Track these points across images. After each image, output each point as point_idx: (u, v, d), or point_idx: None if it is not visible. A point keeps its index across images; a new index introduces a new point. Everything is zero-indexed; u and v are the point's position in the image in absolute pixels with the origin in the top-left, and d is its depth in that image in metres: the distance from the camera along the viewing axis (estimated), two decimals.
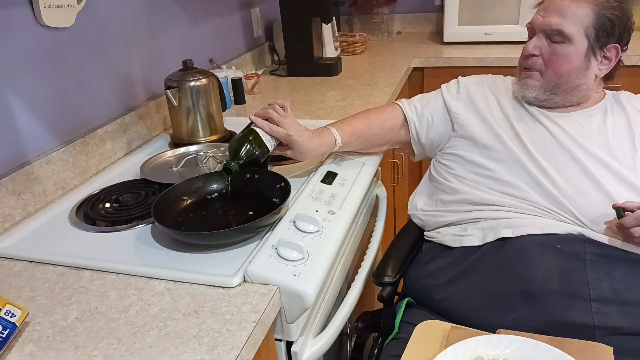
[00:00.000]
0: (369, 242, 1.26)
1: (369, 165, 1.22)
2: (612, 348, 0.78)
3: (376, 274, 1.08)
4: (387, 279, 1.06)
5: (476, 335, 0.83)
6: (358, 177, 1.16)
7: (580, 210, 0.92)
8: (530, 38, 1.07)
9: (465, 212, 1.03)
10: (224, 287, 0.80)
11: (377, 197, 1.42)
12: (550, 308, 0.86)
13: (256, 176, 1.06)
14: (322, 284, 0.85)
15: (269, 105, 1.07)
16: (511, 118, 1.07)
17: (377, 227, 1.32)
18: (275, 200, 0.99)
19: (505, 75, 1.21)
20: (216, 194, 1.04)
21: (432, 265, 1.05)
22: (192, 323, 0.73)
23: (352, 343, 1.07)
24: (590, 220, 0.92)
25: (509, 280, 0.91)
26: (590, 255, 0.88)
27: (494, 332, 0.85)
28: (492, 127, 1.07)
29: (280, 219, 0.95)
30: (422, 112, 1.18)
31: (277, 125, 1.03)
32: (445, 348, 0.81)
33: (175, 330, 0.71)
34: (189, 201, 1.01)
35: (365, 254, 1.20)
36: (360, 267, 1.14)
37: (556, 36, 1.01)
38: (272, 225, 0.93)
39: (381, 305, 1.08)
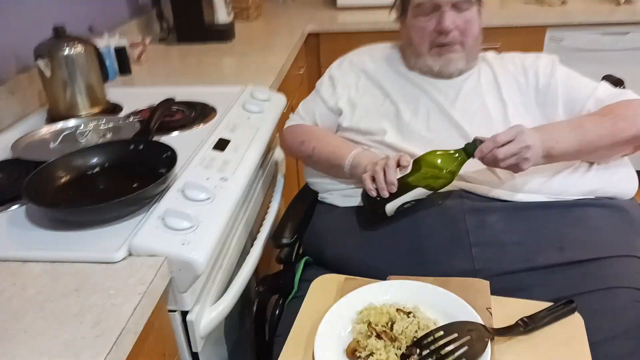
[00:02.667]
0: (269, 207, 1.26)
1: (263, 131, 1.21)
2: (488, 282, 0.84)
3: (274, 237, 1.09)
4: (284, 241, 1.07)
5: (368, 284, 0.87)
6: (252, 142, 1.14)
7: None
8: (428, 14, 1.06)
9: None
10: (107, 263, 0.76)
11: (276, 163, 1.42)
12: (436, 260, 0.91)
13: (141, 147, 1.01)
14: (214, 252, 0.84)
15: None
16: (392, 95, 1.10)
17: (276, 191, 1.33)
18: (162, 170, 0.95)
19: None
20: (97, 169, 0.98)
21: (324, 224, 1.07)
22: (73, 302, 0.69)
23: (255, 307, 1.08)
24: (469, 177, 0.97)
25: (395, 238, 0.96)
26: (469, 206, 0.94)
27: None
28: (374, 114, 1.10)
29: (168, 188, 0.92)
30: (312, 117, 1.20)
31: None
32: (340, 299, 0.84)
33: (53, 312, 0.67)
34: (67, 178, 0.95)
35: (265, 219, 1.20)
36: (260, 231, 1.15)
37: (464, 4, 1.04)
38: (159, 196, 0.90)
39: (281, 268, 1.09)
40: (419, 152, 0.96)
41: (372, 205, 0.97)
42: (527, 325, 0.75)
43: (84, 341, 0.63)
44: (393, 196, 0.93)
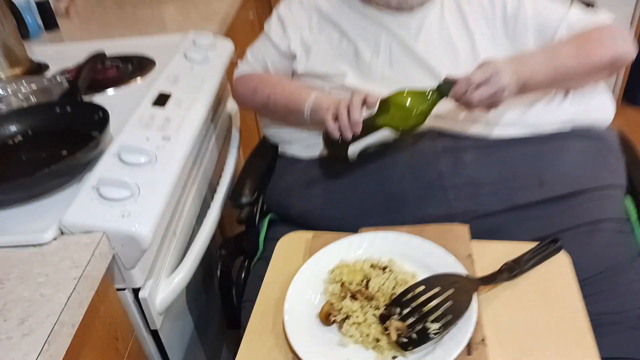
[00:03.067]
0: (225, 165, 1.16)
1: (210, 82, 1.08)
2: (467, 225, 0.78)
3: (232, 196, 0.99)
4: (244, 200, 0.98)
5: (338, 239, 0.79)
6: (197, 95, 1.02)
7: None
8: None
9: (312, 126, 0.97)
10: (35, 245, 0.66)
11: (230, 115, 1.31)
12: (409, 206, 0.84)
13: (68, 109, 0.88)
14: (161, 221, 0.74)
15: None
16: (349, 33, 0.98)
17: (232, 147, 1.22)
18: (94, 133, 0.83)
19: None
20: (20, 138, 0.85)
21: (287, 179, 0.98)
22: None
23: (219, 273, 0.99)
24: (440, 115, 0.89)
25: (365, 186, 0.88)
26: (442, 146, 0.86)
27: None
28: (330, 56, 0.99)
29: (102, 154, 0.80)
30: (262, 64, 1.08)
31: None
32: (308, 259, 0.76)
33: None
34: None
35: (221, 178, 1.10)
36: (216, 191, 1.05)
37: None
38: (91, 163, 0.78)
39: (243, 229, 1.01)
40: (384, 93, 0.87)
41: (333, 149, 0.89)
42: (513, 270, 0.70)
43: (9, 342, 0.53)
44: (357, 138, 0.84)
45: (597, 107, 0.93)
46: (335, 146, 0.87)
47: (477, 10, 0.96)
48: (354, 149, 0.87)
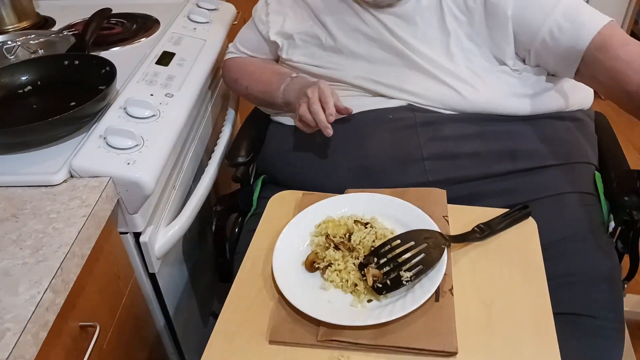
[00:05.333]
0: (223, 125, 1.21)
1: (212, 43, 1.13)
2: (444, 191, 0.84)
3: (228, 155, 1.05)
4: (239, 159, 1.04)
5: (326, 198, 0.85)
6: (199, 55, 1.07)
7: (406, 92, 0.92)
8: None
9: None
10: (46, 186, 0.72)
11: None
12: (388, 176, 0.89)
13: (76, 62, 0.93)
14: (162, 171, 0.80)
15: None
16: (328, 25, 0.99)
17: (230, 108, 1.27)
18: (101, 87, 0.88)
19: None
20: (29, 88, 0.90)
21: (276, 145, 1.03)
22: (10, 228, 0.65)
23: (214, 227, 1.05)
24: (420, 93, 0.92)
25: (346, 156, 0.93)
26: (420, 119, 0.90)
27: None
28: (310, 48, 1.01)
29: (109, 106, 0.85)
30: (249, 47, 1.10)
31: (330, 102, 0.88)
32: (298, 214, 0.82)
33: None
34: None
35: (219, 138, 1.15)
36: (214, 151, 1.10)
37: None
38: (99, 114, 0.84)
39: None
40: (366, 84, 0.93)
41: None
42: (483, 231, 0.76)
43: (25, 267, 0.59)
44: None
45: (582, 96, 0.97)
46: None
47: (457, 5, 0.92)
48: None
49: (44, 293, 0.56)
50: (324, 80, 0.91)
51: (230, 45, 1.15)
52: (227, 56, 1.14)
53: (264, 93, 1.02)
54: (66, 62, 0.92)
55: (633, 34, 2.32)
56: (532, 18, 0.86)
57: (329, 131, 0.87)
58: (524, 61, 0.91)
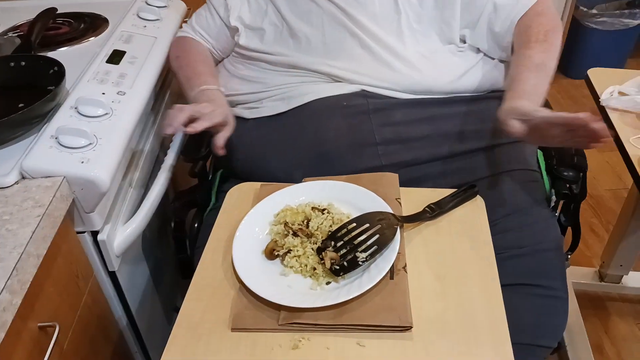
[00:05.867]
0: None
1: (163, 40, 1.12)
2: (397, 175, 0.87)
3: (185, 151, 1.05)
4: (196, 154, 1.04)
5: (284, 188, 0.87)
6: (150, 53, 1.07)
7: (359, 74, 0.96)
8: None
9: (257, 92, 1.02)
10: None
11: None
12: (344, 161, 0.92)
13: (23, 63, 0.91)
14: (117, 168, 0.80)
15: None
16: (285, 14, 1.02)
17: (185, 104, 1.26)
18: (50, 88, 0.87)
19: None
20: None
21: (232, 138, 1.03)
22: None
23: (173, 223, 1.06)
24: (371, 75, 0.96)
25: (303, 146, 0.95)
26: (373, 106, 0.94)
27: None
28: (271, 33, 1.03)
29: (59, 106, 0.84)
30: (207, 33, 1.11)
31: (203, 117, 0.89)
32: (256, 204, 0.84)
33: None
34: None
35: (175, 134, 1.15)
36: (170, 147, 1.10)
37: None
38: (49, 115, 0.83)
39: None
40: (321, 67, 0.95)
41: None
42: (434, 211, 0.80)
43: None
44: None
45: None
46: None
47: None
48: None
49: (0, 294, 0.56)
50: (217, 110, 0.93)
51: (184, 24, 1.15)
52: (180, 34, 1.14)
53: (189, 80, 1.03)
54: (12, 64, 0.91)
55: (573, 19, 2.43)
56: None
57: (167, 130, 0.86)
58: (464, 41, 0.96)
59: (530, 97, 0.84)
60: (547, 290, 0.82)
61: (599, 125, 0.69)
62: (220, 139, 0.93)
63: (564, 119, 0.73)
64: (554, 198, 0.95)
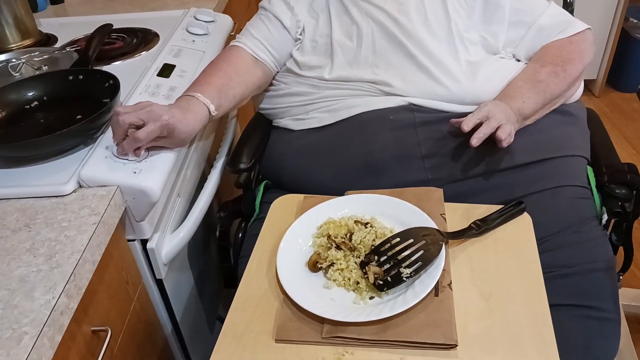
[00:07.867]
0: (225, 133, 1.23)
1: (210, 54, 1.16)
2: (442, 189, 0.87)
3: (230, 162, 1.07)
4: (241, 166, 1.06)
5: (327, 200, 0.87)
6: (199, 66, 1.10)
7: (406, 87, 0.96)
8: None
9: (304, 105, 1.04)
10: (57, 197, 0.74)
11: None
12: (390, 173, 0.92)
13: (80, 77, 0.95)
14: (168, 179, 0.82)
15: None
16: (334, 25, 1.03)
17: (229, 120, 1.30)
18: (105, 100, 0.91)
19: None
20: (36, 103, 0.93)
21: (280, 149, 1.06)
22: (24, 237, 0.67)
23: (218, 233, 1.08)
24: (415, 93, 0.96)
25: (350, 156, 0.95)
26: (419, 119, 0.94)
27: None
28: (319, 39, 1.04)
29: None
30: (268, 43, 1.09)
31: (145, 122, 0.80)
32: (299, 216, 0.85)
33: (4, 248, 0.66)
34: (3, 114, 0.89)
35: (221, 145, 1.18)
36: (216, 159, 1.13)
37: None
38: (105, 126, 0.86)
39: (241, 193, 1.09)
40: (369, 80, 0.97)
41: None
42: (480, 227, 0.79)
43: (39, 274, 0.62)
44: None
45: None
46: None
47: None
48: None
49: (59, 298, 0.59)
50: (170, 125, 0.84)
51: (238, 36, 1.12)
52: (233, 43, 1.11)
53: (193, 83, 0.98)
54: (71, 77, 0.95)
55: (623, 31, 2.35)
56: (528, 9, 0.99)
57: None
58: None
59: (509, 100, 0.90)
60: (598, 312, 0.79)
61: (466, 127, 0.83)
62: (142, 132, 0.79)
63: (457, 121, 0.86)
64: (605, 216, 0.92)
